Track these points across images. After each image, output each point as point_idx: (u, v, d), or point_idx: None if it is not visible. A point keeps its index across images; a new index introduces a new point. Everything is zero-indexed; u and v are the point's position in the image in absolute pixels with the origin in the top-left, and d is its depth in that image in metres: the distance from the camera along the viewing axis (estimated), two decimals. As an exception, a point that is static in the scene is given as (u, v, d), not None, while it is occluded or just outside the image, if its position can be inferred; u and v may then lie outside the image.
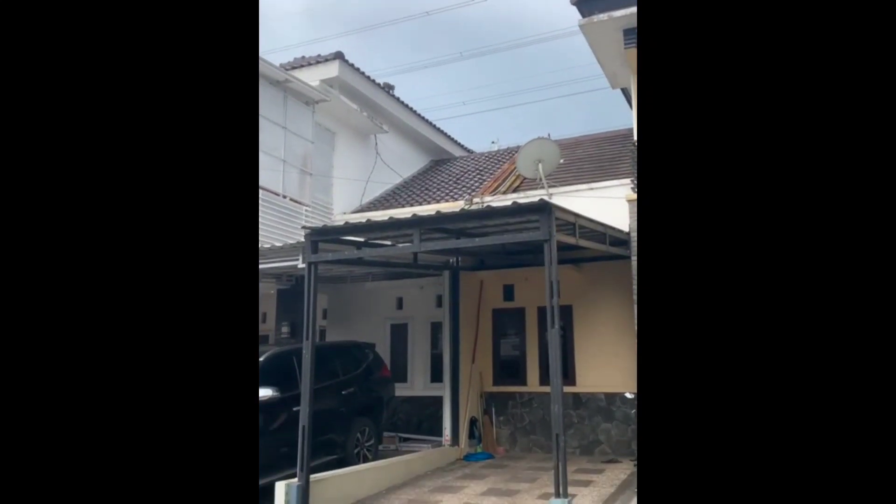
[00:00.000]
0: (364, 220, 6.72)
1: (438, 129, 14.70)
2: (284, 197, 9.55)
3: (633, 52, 8.54)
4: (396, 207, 10.86)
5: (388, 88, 13.38)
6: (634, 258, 7.62)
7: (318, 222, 9.55)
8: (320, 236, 6.69)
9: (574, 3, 8.84)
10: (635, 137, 8.67)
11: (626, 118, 11.42)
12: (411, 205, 10.88)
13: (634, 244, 7.65)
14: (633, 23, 8.39)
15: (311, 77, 10.77)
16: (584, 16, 8.74)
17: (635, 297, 7.53)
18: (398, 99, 13.02)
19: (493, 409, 10.01)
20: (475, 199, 9.94)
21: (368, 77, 12.07)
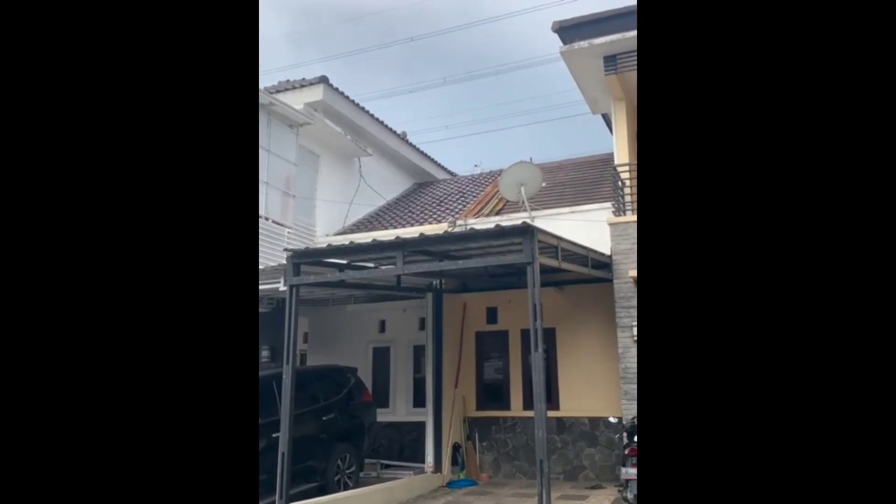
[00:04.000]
0: (347, 243, 6.67)
1: (422, 153, 14.77)
2: (267, 219, 9.49)
3: (613, 78, 8.70)
4: (379, 230, 10.83)
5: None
6: (616, 281, 7.66)
7: (300, 244, 9.47)
8: (302, 259, 6.63)
9: (556, 31, 9.00)
10: (616, 161, 8.78)
11: (607, 143, 11.56)
12: (394, 227, 10.87)
13: (616, 267, 7.70)
14: (613, 50, 8.56)
15: (296, 100, 10.80)
16: (565, 43, 8.90)
17: (617, 321, 7.55)
18: (382, 122, 13.08)
19: (477, 435, 9.90)
20: (458, 222, 9.96)
21: (352, 101, 12.13)
